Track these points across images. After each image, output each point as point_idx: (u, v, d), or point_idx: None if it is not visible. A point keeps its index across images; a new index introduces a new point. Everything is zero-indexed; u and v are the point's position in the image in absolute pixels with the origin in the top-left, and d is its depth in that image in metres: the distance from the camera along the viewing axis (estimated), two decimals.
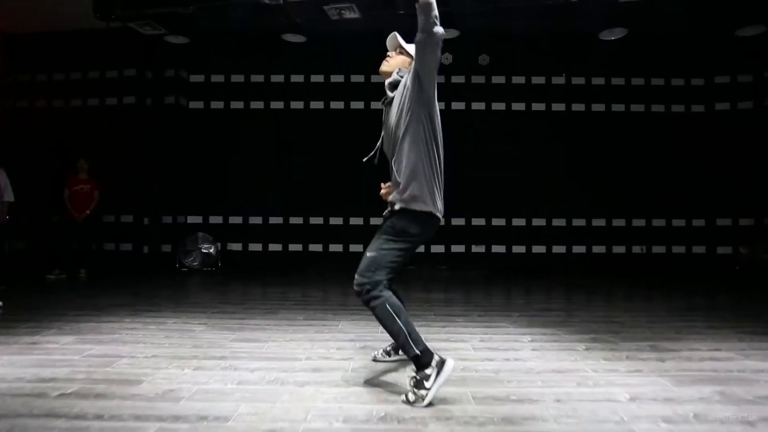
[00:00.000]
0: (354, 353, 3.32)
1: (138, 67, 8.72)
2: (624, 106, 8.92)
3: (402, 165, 2.60)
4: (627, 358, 3.27)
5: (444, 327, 4.19)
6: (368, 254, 2.58)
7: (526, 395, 2.55)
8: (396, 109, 2.64)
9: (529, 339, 3.78)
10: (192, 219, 8.98)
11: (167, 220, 8.71)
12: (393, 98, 2.71)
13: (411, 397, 2.42)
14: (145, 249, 8.63)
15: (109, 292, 5.95)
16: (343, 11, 6.64)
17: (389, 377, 2.84)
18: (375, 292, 2.51)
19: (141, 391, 2.54)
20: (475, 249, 8.87)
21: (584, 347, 3.54)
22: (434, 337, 3.79)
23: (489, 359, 3.22)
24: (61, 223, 7.69)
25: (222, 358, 3.17)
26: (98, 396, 2.47)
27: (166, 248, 8.65)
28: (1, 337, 3.65)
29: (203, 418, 2.22)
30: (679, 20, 7.34)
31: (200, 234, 8.62)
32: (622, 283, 7.33)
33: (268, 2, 6.44)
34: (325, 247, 8.82)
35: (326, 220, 8.84)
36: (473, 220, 8.89)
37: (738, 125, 8.68)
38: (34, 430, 2.07)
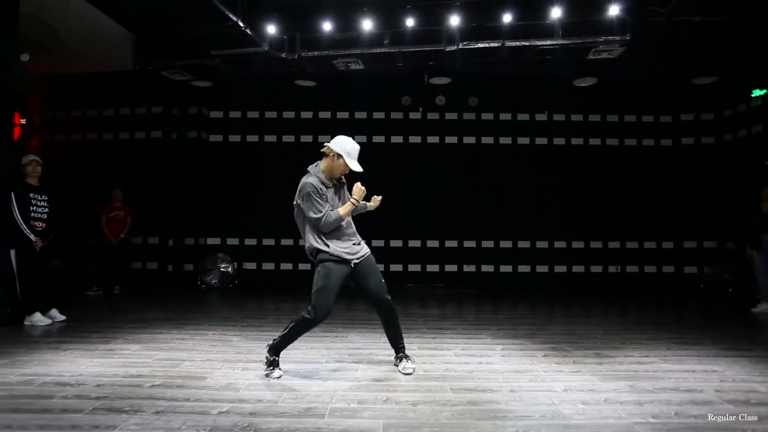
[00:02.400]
0: (362, 358, 4.29)
1: (165, 105, 9.77)
2: (600, 140, 9.95)
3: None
4: (573, 362, 4.23)
5: (434, 338, 5.14)
6: (382, 281, 3.82)
7: (488, 387, 3.51)
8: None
9: (501, 348, 4.75)
10: (211, 241, 9.98)
11: (189, 242, 9.70)
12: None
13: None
14: (170, 268, 9.60)
15: (147, 308, 6.92)
16: (349, 64, 7.67)
17: (389, 375, 3.79)
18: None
19: (209, 384, 3.50)
20: (466, 268, 9.84)
21: (543, 354, 4.50)
22: (425, 345, 4.76)
23: (466, 363, 4.18)
24: (97, 246, 8.68)
25: (260, 361, 4.13)
26: (180, 386, 3.43)
27: (188, 267, 9.63)
28: (82, 344, 4.61)
29: (259, 400, 3.18)
30: (642, 69, 8.40)
31: (219, 254, 9.60)
32: (597, 300, 8.29)
33: (284, 56, 7.47)
34: None
35: None
36: (465, 242, 9.88)
37: (702, 158, 9.71)
38: (147, 407, 3.02)
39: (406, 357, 3.96)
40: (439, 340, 5.02)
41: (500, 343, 4.97)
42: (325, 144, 3.75)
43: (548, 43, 6.78)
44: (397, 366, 3.92)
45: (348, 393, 3.34)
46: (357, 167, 3.71)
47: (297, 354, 4.40)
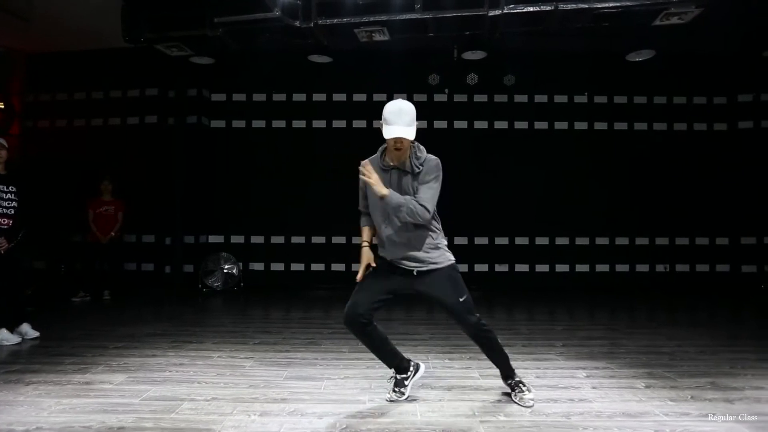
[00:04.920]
0: (415, 393, 3.26)
1: (160, 87, 8.73)
2: (647, 124, 8.91)
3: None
4: (692, 398, 3.22)
5: None
6: (461, 300, 2.92)
7: None
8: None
9: (585, 375, 3.74)
10: (214, 239, 8.95)
11: (189, 239, 8.67)
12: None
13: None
14: (167, 269, 8.59)
15: (139, 319, 5.91)
16: (373, 34, 6.62)
17: (460, 423, 2.78)
18: (488, 326, 3.04)
19: None
20: (498, 268, 8.83)
21: (644, 385, 3.49)
22: (487, 371, 3.73)
23: (553, 400, 3.17)
24: (85, 245, 7.66)
25: (284, 400, 3.12)
26: None
27: (188, 268, 8.60)
28: (51, 375, 3.60)
29: None
30: (710, 40, 7.35)
31: (223, 254, 8.58)
32: (653, 305, 7.30)
33: (298, 25, 6.42)
34: (348, 267, 8.76)
35: (349, 240, 8.79)
36: (496, 239, 8.87)
37: (761, 143, 8.67)
38: None
39: (519, 385, 3.13)
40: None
41: (579, 366, 3.96)
42: None
43: (611, 4, 5.72)
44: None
45: None
46: (392, 133, 2.72)
47: (329, 387, 3.38)
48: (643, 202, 8.80)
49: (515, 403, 3.07)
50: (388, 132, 2.73)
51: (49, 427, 2.67)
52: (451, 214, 8.51)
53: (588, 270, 8.84)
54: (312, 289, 8.58)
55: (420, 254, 2.91)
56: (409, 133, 2.73)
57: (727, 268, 8.79)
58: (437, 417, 2.88)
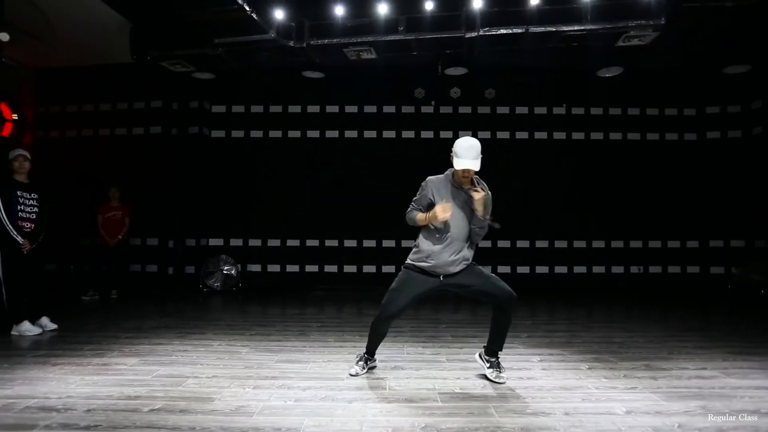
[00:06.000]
0: (387, 373, 3.81)
1: (164, 99, 9.29)
2: (621, 134, 9.48)
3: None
4: (624, 376, 3.76)
5: (462, 348, 4.67)
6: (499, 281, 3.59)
7: (539, 409, 3.04)
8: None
9: (539, 359, 4.28)
10: (214, 242, 9.50)
11: (191, 242, 9.22)
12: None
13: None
14: (170, 270, 9.13)
15: (146, 314, 6.45)
16: (361, 53, 7.20)
17: (422, 394, 3.32)
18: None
19: (217, 407, 3.03)
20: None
21: (587, 366, 4.03)
22: (454, 357, 4.30)
23: (505, 377, 3.70)
24: (94, 248, 8.20)
25: (274, 378, 3.66)
26: (183, 411, 2.96)
27: (190, 269, 9.15)
28: (73, 358, 4.14)
29: (277, 429, 2.71)
30: (672, 58, 7.93)
31: (222, 256, 9.13)
32: (623, 303, 7.84)
33: (292, 45, 7.00)
34: (340, 268, 9.31)
35: (341, 243, 9.35)
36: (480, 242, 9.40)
37: (728, 152, 9.24)
38: None
39: (499, 364, 3.73)
40: (468, 351, 4.54)
41: (536, 353, 4.51)
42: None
43: (576, 28, 6.31)
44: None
45: (379, 418, 2.88)
46: (462, 165, 3.36)
47: (314, 368, 3.93)
48: (618, 208, 9.36)
49: (489, 379, 3.62)
50: (457, 163, 3.36)
51: (77, 395, 3.21)
52: None
53: (566, 272, 9.39)
54: (306, 289, 9.13)
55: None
56: (476, 165, 3.37)
57: (697, 270, 9.34)
58: (402, 389, 3.42)
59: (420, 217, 3.53)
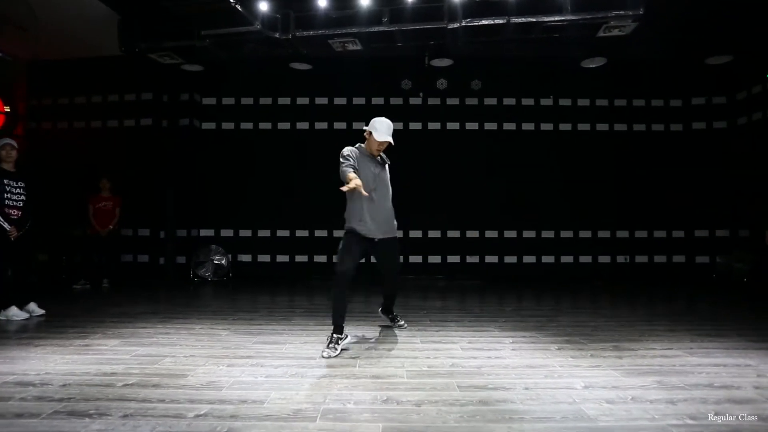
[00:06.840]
0: (360, 352, 3.92)
1: (155, 92, 9.37)
2: (608, 125, 9.57)
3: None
4: (591, 356, 3.87)
5: (438, 331, 4.78)
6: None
7: (500, 384, 3.15)
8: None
9: (511, 341, 4.39)
10: (205, 232, 9.61)
11: (182, 233, 9.33)
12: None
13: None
14: (161, 260, 9.24)
15: (134, 302, 6.55)
16: (346, 44, 7.27)
17: (389, 371, 3.43)
18: None
19: (188, 383, 3.14)
20: (469, 259, 9.48)
21: (557, 347, 4.14)
22: (428, 339, 4.40)
23: (474, 357, 3.82)
24: (85, 238, 8.31)
25: (249, 357, 3.77)
26: (155, 386, 3.07)
27: (181, 260, 9.27)
28: (56, 340, 4.25)
29: (243, 401, 2.82)
30: (653, 48, 8.00)
31: (213, 246, 9.24)
32: (607, 291, 7.93)
33: (278, 36, 7.08)
34: (329, 258, 9.42)
35: (330, 233, 9.45)
36: (467, 232, 9.51)
37: (713, 143, 9.33)
38: (114, 410, 2.67)
39: (398, 317, 4.96)
40: (443, 334, 4.66)
41: (509, 335, 4.61)
42: (363, 127, 4.28)
43: (556, 18, 6.37)
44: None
45: (343, 392, 2.99)
46: (383, 138, 4.12)
47: (289, 349, 4.04)
48: (604, 198, 9.46)
49: (395, 327, 4.80)
50: (379, 136, 4.11)
51: (55, 372, 3.33)
52: (427, 209, 9.21)
53: (553, 261, 9.50)
54: (296, 279, 9.24)
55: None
56: (391, 140, 4.17)
57: (683, 259, 9.45)
58: (371, 368, 3.53)
59: (351, 175, 3.90)
